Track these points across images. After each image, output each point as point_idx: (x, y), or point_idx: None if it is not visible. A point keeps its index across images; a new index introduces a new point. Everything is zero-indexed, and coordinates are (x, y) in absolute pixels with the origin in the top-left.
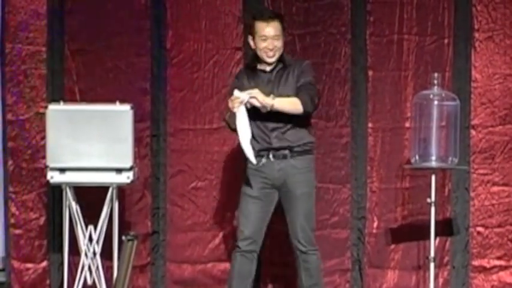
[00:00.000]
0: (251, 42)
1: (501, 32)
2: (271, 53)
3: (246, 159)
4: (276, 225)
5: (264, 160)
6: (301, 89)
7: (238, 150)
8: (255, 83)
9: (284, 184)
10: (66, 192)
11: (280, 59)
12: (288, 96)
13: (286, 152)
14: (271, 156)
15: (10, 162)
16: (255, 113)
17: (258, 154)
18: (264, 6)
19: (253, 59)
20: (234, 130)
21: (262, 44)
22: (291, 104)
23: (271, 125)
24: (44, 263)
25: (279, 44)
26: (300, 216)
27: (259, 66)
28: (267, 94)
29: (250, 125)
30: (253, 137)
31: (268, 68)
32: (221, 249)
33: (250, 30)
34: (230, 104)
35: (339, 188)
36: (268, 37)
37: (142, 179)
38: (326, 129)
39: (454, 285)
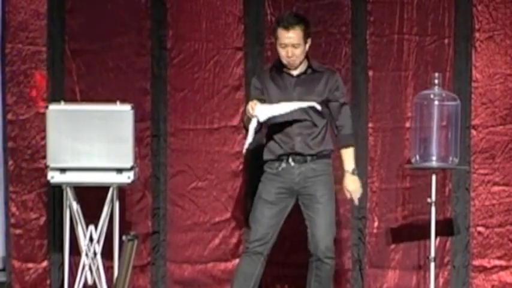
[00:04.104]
0: (276, 46)
1: (502, 32)
2: (289, 60)
3: (251, 161)
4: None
5: (283, 165)
6: (341, 111)
7: (239, 150)
8: (280, 87)
9: (304, 188)
10: (66, 192)
11: (309, 65)
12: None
13: (307, 156)
14: (290, 160)
15: (10, 162)
16: (282, 118)
17: (278, 158)
18: (289, 11)
19: (279, 62)
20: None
21: (281, 52)
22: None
23: (297, 130)
24: (45, 263)
25: (298, 52)
26: (321, 221)
27: (286, 70)
28: (292, 98)
29: (275, 129)
30: (275, 141)
31: (295, 73)
32: (221, 249)
33: (274, 35)
34: (249, 111)
35: (339, 188)
36: (288, 45)
37: (143, 179)
38: None
39: (455, 285)
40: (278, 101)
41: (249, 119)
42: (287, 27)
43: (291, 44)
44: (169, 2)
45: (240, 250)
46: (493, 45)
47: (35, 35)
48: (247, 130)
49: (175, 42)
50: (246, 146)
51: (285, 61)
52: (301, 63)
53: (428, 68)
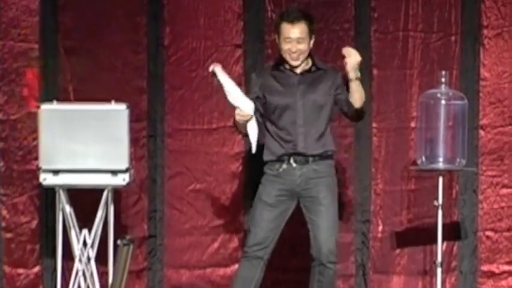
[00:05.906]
0: (278, 42)
1: (511, 28)
2: (294, 55)
3: (250, 162)
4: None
5: (284, 166)
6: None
7: (238, 151)
8: (283, 84)
9: (305, 190)
10: (59, 195)
11: (313, 62)
12: (316, 103)
13: (309, 157)
14: (292, 161)
15: (1, 163)
16: (285, 117)
17: (279, 159)
18: (293, 6)
19: (281, 60)
20: (244, 135)
21: (285, 46)
22: (362, 95)
23: (301, 129)
24: (37, 268)
25: (302, 47)
26: (324, 224)
27: (290, 67)
28: (295, 96)
29: (276, 128)
30: (276, 141)
31: (298, 70)
32: (220, 253)
33: (276, 30)
34: (240, 118)
35: (342, 190)
36: (292, 39)
37: (139, 181)
38: None
39: None
40: (280, 99)
41: (243, 125)
42: (292, 21)
43: (296, 39)
44: None
45: (240, 255)
46: (502, 43)
47: (26, 32)
48: (243, 135)
49: (173, 40)
50: (254, 145)
51: (288, 57)
52: (304, 60)
53: (434, 66)
